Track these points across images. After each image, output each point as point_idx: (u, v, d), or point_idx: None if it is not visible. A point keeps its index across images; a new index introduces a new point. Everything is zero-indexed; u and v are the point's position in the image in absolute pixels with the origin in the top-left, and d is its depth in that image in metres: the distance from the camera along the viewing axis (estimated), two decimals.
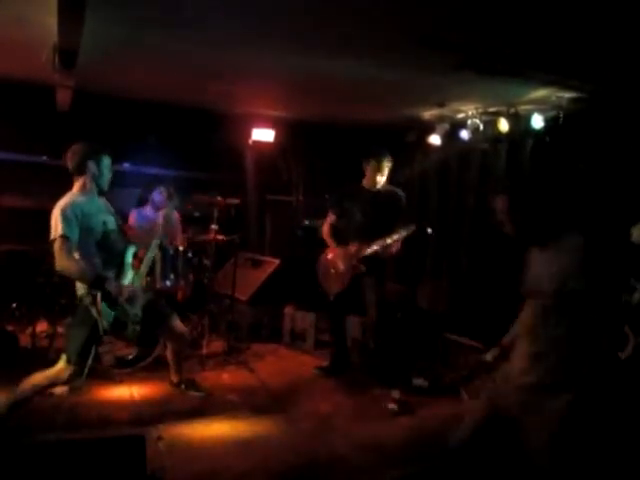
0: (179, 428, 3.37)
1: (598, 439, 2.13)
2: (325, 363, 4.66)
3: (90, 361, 3.04)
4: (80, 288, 3.03)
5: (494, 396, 2.31)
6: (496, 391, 2.31)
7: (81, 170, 3.08)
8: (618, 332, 2.37)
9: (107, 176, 3.18)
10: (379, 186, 4.37)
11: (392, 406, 3.88)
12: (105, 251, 3.08)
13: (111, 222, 3.16)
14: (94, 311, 2.94)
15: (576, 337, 2.06)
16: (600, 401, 2.09)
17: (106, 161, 3.16)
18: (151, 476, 2.58)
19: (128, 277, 3.17)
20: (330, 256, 4.49)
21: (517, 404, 2.16)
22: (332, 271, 4.43)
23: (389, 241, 4.15)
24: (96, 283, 2.92)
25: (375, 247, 4.20)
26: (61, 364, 3.04)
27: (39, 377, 3.09)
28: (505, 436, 2.23)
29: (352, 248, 4.31)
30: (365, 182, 4.42)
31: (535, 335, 2.17)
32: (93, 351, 3.05)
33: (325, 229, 4.54)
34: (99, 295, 2.91)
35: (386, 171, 4.35)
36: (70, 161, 3.10)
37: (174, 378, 3.92)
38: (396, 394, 3.94)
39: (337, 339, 4.66)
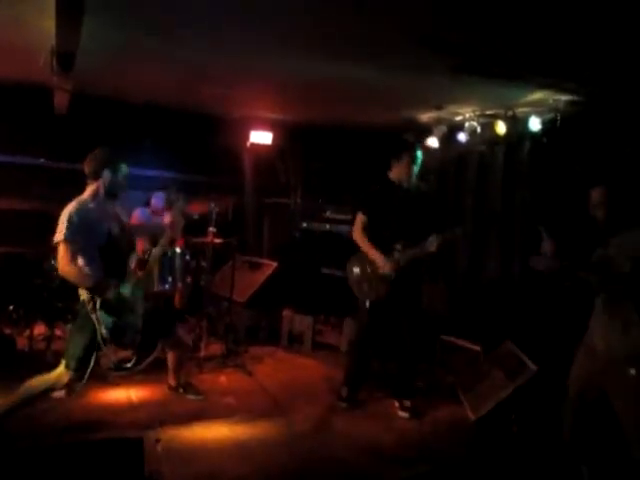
0: (177, 431, 3.37)
1: None
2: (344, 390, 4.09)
3: (90, 367, 3.03)
4: (83, 293, 3.02)
5: (585, 374, 2.47)
6: (585, 369, 2.48)
7: (96, 176, 3.11)
8: None
9: (122, 184, 3.21)
10: (410, 182, 3.99)
11: (404, 414, 3.90)
12: (108, 258, 3.08)
13: (116, 229, 3.18)
14: (94, 318, 2.93)
15: None
16: None
17: (124, 170, 3.19)
18: (149, 478, 2.58)
19: (129, 285, 3.16)
20: (366, 261, 3.99)
21: (607, 377, 2.32)
22: (370, 276, 3.95)
23: (440, 240, 3.76)
24: (96, 289, 2.93)
25: (428, 247, 3.79)
26: (60, 369, 3.03)
27: (38, 381, 3.08)
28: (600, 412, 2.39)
29: (396, 251, 3.87)
30: (394, 177, 4.02)
31: (615, 312, 2.35)
32: (94, 358, 3.04)
33: (358, 232, 4.04)
34: (98, 302, 2.92)
35: (419, 164, 4.00)
36: (87, 166, 3.13)
37: (171, 382, 3.91)
38: (408, 403, 3.94)
39: (361, 360, 4.10)
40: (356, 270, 4.06)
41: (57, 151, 5.55)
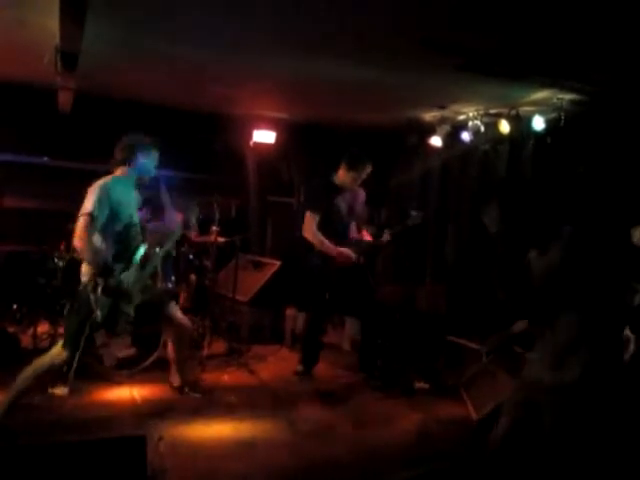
0: (180, 429, 3.37)
1: (600, 435, 2.18)
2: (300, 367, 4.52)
3: (80, 351, 3.00)
4: (85, 274, 3.02)
5: (522, 393, 2.37)
6: (523, 389, 2.37)
7: (129, 161, 3.13)
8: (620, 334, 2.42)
9: (152, 170, 3.24)
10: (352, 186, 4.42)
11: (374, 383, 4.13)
12: (121, 243, 3.10)
13: (136, 217, 3.20)
14: (92, 299, 2.92)
15: (585, 337, 2.11)
16: (607, 399, 2.15)
17: (154, 155, 3.23)
18: (152, 477, 2.58)
19: (131, 275, 3.15)
20: (323, 257, 4.25)
21: (540, 402, 2.23)
22: (327, 270, 4.26)
23: (398, 230, 4.36)
24: (103, 271, 2.93)
25: (387, 236, 4.40)
26: (57, 347, 3.08)
27: (39, 362, 3.11)
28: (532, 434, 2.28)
29: (351, 244, 4.33)
30: (339, 180, 4.39)
31: (551, 335, 2.22)
32: (83, 341, 3.01)
33: (311, 231, 4.24)
34: (100, 286, 2.91)
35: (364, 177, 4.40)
36: (120, 151, 3.14)
37: (175, 381, 3.86)
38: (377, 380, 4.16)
39: (314, 342, 4.54)
40: (315, 267, 4.32)
41: (61, 150, 5.57)
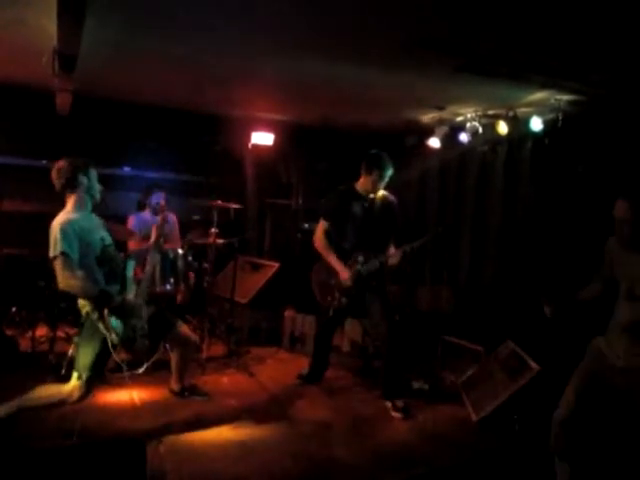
0: (179, 432, 3.36)
1: None
2: (305, 370, 4.46)
3: (100, 375, 3.03)
4: (85, 305, 2.99)
5: (594, 372, 2.60)
6: (597, 368, 2.60)
7: (73, 185, 3.00)
8: None
9: (97, 187, 3.12)
10: (375, 193, 4.09)
11: (397, 415, 3.87)
12: (105, 266, 3.04)
13: (107, 237, 3.13)
14: (102, 327, 2.90)
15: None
16: None
17: (93, 173, 3.10)
18: (151, 479, 2.58)
19: (131, 291, 3.13)
20: (329, 269, 4.05)
21: (625, 383, 2.46)
22: (333, 288, 4.05)
23: (408, 250, 3.90)
24: (101, 299, 2.90)
25: (393, 258, 3.96)
26: (73, 382, 2.98)
27: (52, 391, 3.04)
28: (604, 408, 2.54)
29: (358, 263, 3.96)
30: (360, 187, 4.10)
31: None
32: (103, 367, 3.04)
33: (319, 240, 4.09)
34: (106, 310, 2.88)
35: (387, 181, 4.08)
36: (59, 178, 3.00)
37: (175, 386, 3.86)
38: (400, 403, 3.92)
39: (322, 349, 4.39)
40: (320, 279, 4.15)
41: (59, 152, 5.54)
